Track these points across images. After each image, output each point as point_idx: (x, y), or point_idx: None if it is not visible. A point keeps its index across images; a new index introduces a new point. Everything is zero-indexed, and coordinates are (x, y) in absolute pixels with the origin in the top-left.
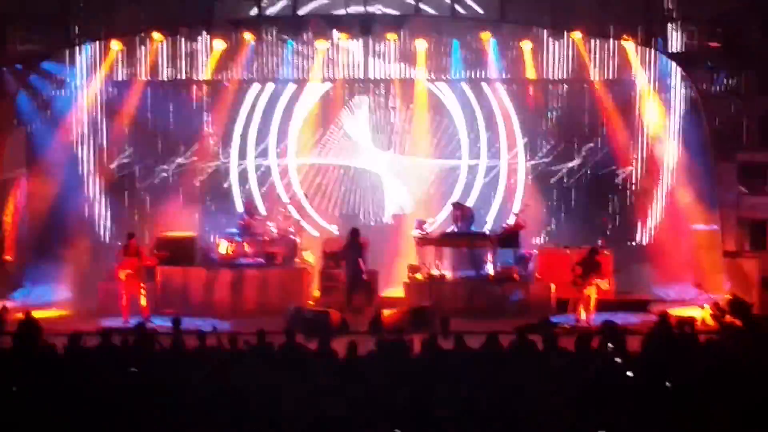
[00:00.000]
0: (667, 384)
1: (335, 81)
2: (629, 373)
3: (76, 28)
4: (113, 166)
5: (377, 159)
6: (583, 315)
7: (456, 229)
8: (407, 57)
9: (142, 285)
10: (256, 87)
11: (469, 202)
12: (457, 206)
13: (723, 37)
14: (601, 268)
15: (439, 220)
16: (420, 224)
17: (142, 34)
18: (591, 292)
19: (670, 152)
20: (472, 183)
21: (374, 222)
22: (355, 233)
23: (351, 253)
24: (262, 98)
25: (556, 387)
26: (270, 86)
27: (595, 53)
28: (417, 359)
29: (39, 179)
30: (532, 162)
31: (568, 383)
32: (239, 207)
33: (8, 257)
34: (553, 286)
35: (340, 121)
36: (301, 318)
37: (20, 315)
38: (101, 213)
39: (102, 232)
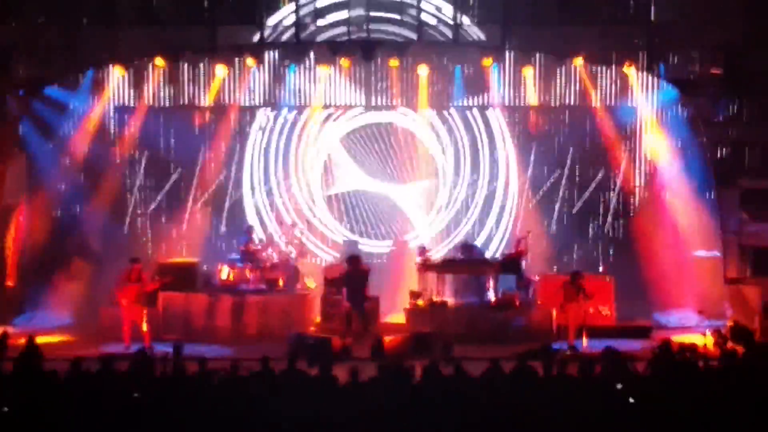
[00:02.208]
0: (669, 411)
1: (337, 106)
2: (630, 399)
3: (80, 54)
4: (114, 190)
5: (379, 185)
6: (584, 342)
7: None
8: (409, 83)
9: (144, 311)
10: (258, 112)
11: (469, 226)
12: (467, 248)
13: (724, 64)
14: (585, 291)
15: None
16: (422, 251)
17: (145, 60)
18: (576, 317)
19: (672, 178)
20: (473, 209)
21: (376, 248)
22: (354, 261)
23: (350, 280)
24: (264, 123)
25: (557, 413)
26: (272, 111)
27: (596, 79)
28: (418, 385)
29: (40, 205)
30: (534, 188)
31: (569, 410)
32: (247, 232)
33: (9, 283)
34: (554, 312)
35: (344, 147)
36: (302, 344)
37: (22, 340)
38: (103, 239)
39: (103, 258)
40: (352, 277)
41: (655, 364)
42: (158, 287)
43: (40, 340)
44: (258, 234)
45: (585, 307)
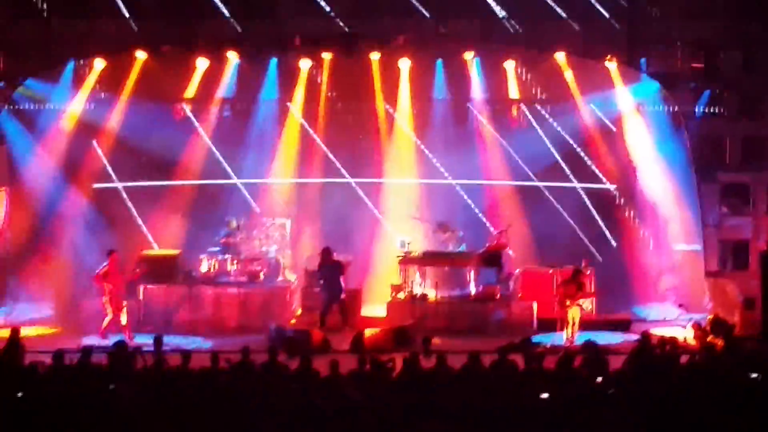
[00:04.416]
0: (649, 403)
1: (319, 99)
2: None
3: (60, 46)
4: (95, 183)
5: (359, 178)
6: (566, 335)
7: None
8: (390, 76)
9: (124, 302)
10: (238, 105)
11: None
12: (444, 227)
13: (705, 59)
14: (584, 288)
15: (422, 239)
16: (403, 244)
17: (126, 53)
18: (575, 313)
19: (653, 172)
20: (455, 203)
21: (357, 240)
22: (325, 252)
23: (326, 272)
24: (246, 116)
25: (537, 406)
26: (254, 104)
27: (578, 73)
28: (398, 378)
29: (20, 196)
30: (515, 182)
31: (549, 402)
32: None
33: None
34: (535, 306)
35: (324, 140)
36: (282, 336)
37: (6, 333)
38: (83, 230)
39: (84, 250)
40: (326, 268)
41: (634, 358)
42: (137, 278)
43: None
44: (239, 226)
45: (580, 304)
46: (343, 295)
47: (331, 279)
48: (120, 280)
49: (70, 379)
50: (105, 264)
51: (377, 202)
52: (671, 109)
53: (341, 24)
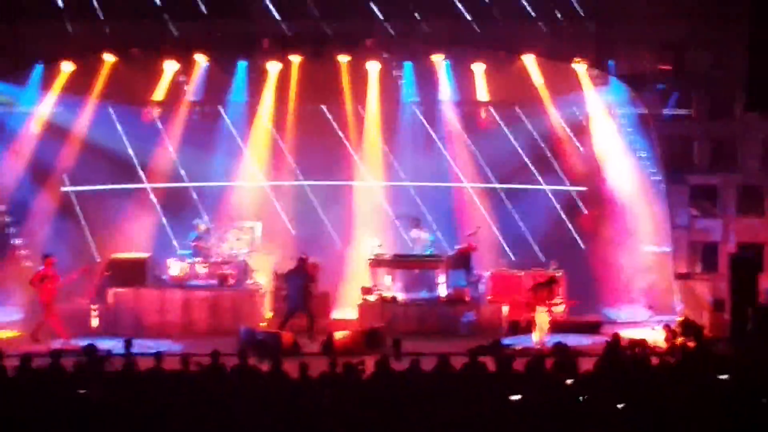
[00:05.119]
0: (619, 406)
1: (287, 102)
2: (580, 398)
3: (28, 48)
4: (64, 187)
5: (329, 181)
6: (536, 338)
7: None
8: (360, 78)
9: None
10: (208, 107)
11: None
12: (417, 223)
13: (673, 61)
14: (554, 294)
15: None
16: (373, 246)
17: (94, 55)
18: (543, 317)
19: (622, 174)
20: (425, 205)
21: (327, 243)
22: (301, 261)
23: (294, 277)
24: (215, 119)
25: (508, 408)
26: (222, 107)
27: (546, 75)
28: (369, 381)
29: None
30: (484, 184)
31: (519, 405)
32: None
33: None
34: (505, 308)
35: (294, 143)
36: (252, 339)
37: None
38: (52, 233)
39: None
40: (293, 277)
41: (604, 360)
42: (76, 278)
43: None
44: (208, 229)
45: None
46: (310, 300)
47: (296, 288)
48: (55, 284)
49: (39, 382)
50: (41, 268)
51: (348, 204)
52: (639, 110)
53: (310, 27)
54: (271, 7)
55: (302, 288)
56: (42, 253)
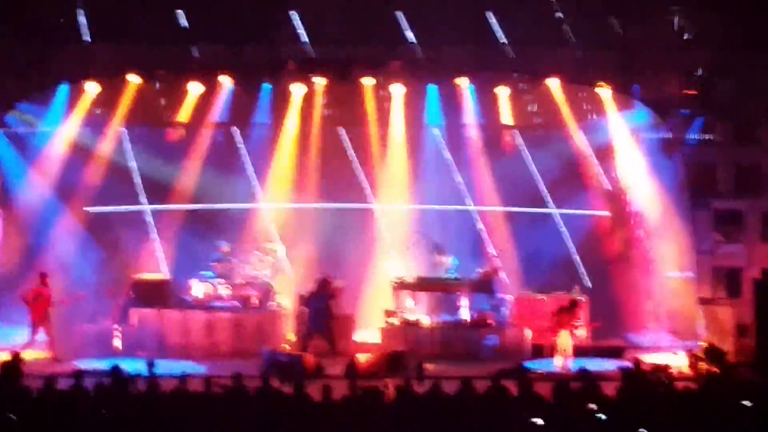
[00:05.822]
0: (642, 431)
1: (311, 124)
2: (602, 416)
3: (53, 69)
4: (88, 207)
5: (352, 203)
6: (559, 362)
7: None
8: (384, 101)
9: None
10: (232, 129)
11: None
12: (439, 249)
13: (699, 86)
14: (576, 318)
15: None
16: (395, 269)
17: (119, 77)
18: (566, 341)
19: (646, 199)
20: (448, 228)
21: (350, 266)
22: (324, 283)
23: (315, 299)
24: (239, 141)
25: None
26: (247, 129)
27: (571, 100)
28: (391, 404)
29: (13, 220)
30: (507, 208)
31: (543, 428)
32: (218, 249)
33: None
34: (528, 332)
35: (318, 165)
36: (275, 361)
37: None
38: (76, 254)
39: (77, 273)
40: (316, 299)
41: (627, 385)
42: (68, 304)
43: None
44: (231, 251)
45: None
46: (331, 323)
47: (316, 310)
48: (47, 304)
49: (63, 403)
50: (34, 285)
51: (371, 227)
52: (664, 135)
53: (335, 50)
54: (298, 30)
55: (322, 310)
56: (39, 271)
